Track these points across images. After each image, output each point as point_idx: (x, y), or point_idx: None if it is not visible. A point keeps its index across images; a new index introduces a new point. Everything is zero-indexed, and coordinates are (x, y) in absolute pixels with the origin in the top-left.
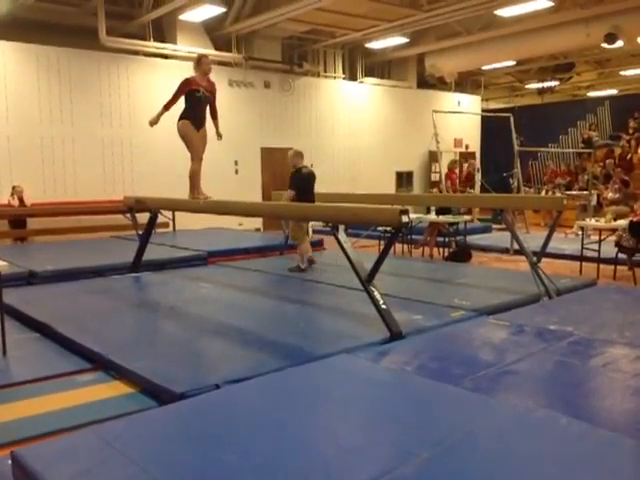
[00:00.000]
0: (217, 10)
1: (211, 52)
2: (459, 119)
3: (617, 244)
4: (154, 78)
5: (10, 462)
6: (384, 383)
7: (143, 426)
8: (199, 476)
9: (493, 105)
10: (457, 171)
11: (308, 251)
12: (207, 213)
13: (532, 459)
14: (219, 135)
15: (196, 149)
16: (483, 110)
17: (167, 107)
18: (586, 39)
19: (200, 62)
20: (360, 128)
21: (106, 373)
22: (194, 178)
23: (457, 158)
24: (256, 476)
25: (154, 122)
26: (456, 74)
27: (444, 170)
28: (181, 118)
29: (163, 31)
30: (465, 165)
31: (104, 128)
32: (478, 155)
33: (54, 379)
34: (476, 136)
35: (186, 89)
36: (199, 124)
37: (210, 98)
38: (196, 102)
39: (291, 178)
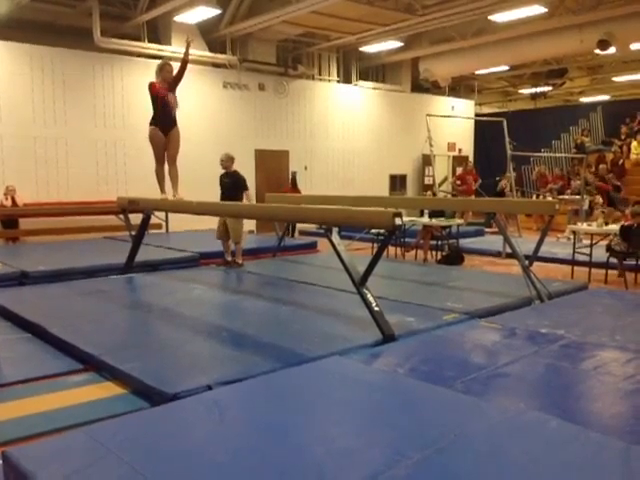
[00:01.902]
0: (212, 12)
1: (206, 54)
2: (453, 123)
3: (608, 248)
4: (148, 79)
5: (1, 462)
6: (376, 385)
7: (135, 427)
8: (191, 477)
9: (486, 110)
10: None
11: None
12: (200, 215)
13: (523, 461)
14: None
15: (156, 154)
16: (476, 114)
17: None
18: (579, 45)
19: (162, 70)
20: (354, 131)
21: (98, 374)
22: (158, 177)
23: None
24: (248, 477)
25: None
26: (450, 78)
27: (438, 174)
28: (150, 124)
29: (158, 32)
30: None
31: (97, 129)
32: (471, 159)
33: (46, 380)
34: (469, 140)
35: (155, 92)
36: (167, 127)
37: (175, 94)
38: (162, 105)
39: (242, 179)
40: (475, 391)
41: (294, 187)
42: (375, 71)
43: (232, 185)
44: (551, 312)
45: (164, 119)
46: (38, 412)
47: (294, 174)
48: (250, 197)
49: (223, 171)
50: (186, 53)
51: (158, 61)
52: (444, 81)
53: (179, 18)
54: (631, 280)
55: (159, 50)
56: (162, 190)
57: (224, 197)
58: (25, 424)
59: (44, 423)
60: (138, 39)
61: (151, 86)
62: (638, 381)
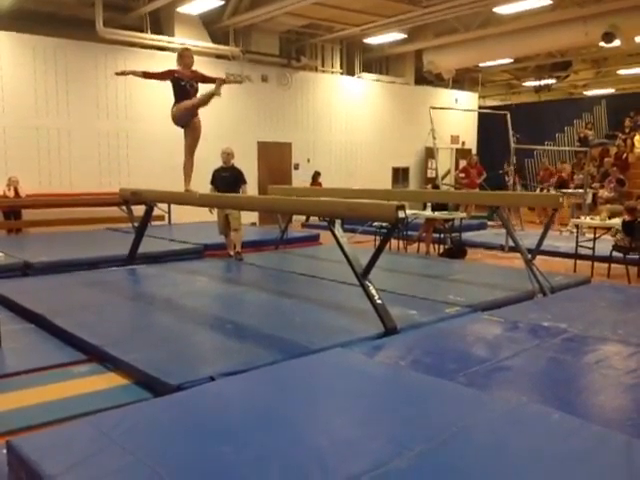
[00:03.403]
0: (215, 3)
1: (209, 45)
2: (456, 116)
3: (615, 246)
4: (151, 70)
5: (5, 452)
6: (378, 377)
7: (139, 417)
8: (194, 467)
9: (490, 102)
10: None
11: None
12: (203, 206)
13: (525, 454)
14: (238, 81)
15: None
16: (480, 107)
17: (144, 74)
18: (584, 38)
19: (181, 56)
20: (357, 123)
21: (101, 365)
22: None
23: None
24: (251, 468)
25: (120, 73)
26: (454, 71)
27: (441, 166)
28: (174, 106)
29: (161, 23)
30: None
31: (100, 120)
32: (474, 152)
33: (49, 370)
34: (473, 133)
35: (169, 74)
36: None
37: (196, 85)
38: (183, 92)
39: (242, 173)
40: (477, 384)
41: (315, 182)
42: (378, 63)
43: (233, 179)
44: (553, 306)
45: None
46: (42, 402)
47: (316, 172)
48: (246, 190)
49: (219, 165)
50: (228, 80)
51: (160, 52)
52: (448, 73)
53: (182, 9)
54: (634, 274)
55: (161, 41)
56: (187, 183)
57: (223, 192)
58: (29, 414)
59: (48, 413)
60: (141, 30)
61: (172, 69)
62: None
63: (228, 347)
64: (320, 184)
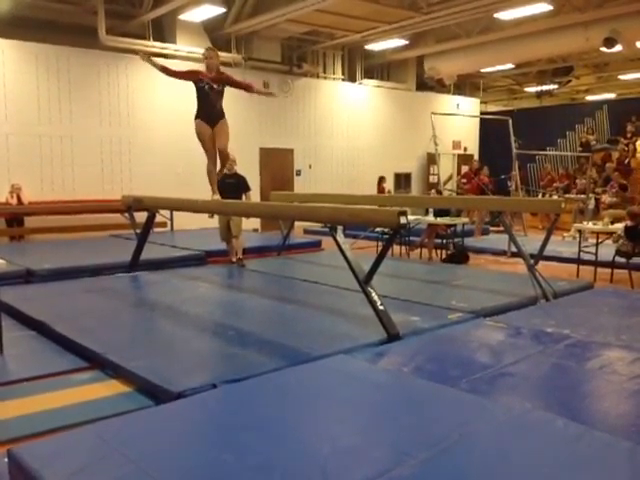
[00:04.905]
0: (217, 10)
1: None
2: (458, 121)
3: (617, 251)
4: (153, 78)
5: (6, 460)
6: (381, 384)
7: (140, 425)
8: (196, 475)
9: (492, 108)
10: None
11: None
12: (205, 213)
13: (528, 460)
14: (269, 93)
15: (205, 149)
16: (482, 113)
17: (163, 69)
18: (585, 43)
19: (205, 57)
20: (359, 129)
21: (103, 372)
22: (209, 176)
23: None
24: (253, 476)
25: (146, 57)
26: (455, 77)
27: (443, 172)
28: (195, 117)
29: (163, 31)
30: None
31: (103, 127)
32: (476, 158)
33: (51, 377)
34: (474, 139)
35: (194, 74)
36: (211, 120)
37: (221, 88)
38: (202, 95)
39: (246, 180)
40: (480, 390)
41: (380, 187)
42: (380, 69)
43: (236, 186)
44: (556, 311)
45: (206, 110)
46: (43, 410)
47: (381, 177)
48: (250, 197)
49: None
50: (259, 91)
51: (163, 59)
52: (449, 79)
53: (184, 16)
54: (637, 279)
55: (164, 48)
56: (214, 191)
57: (227, 198)
58: (30, 422)
59: (49, 421)
60: (143, 37)
61: (196, 70)
62: None
63: (230, 354)
64: (384, 189)
